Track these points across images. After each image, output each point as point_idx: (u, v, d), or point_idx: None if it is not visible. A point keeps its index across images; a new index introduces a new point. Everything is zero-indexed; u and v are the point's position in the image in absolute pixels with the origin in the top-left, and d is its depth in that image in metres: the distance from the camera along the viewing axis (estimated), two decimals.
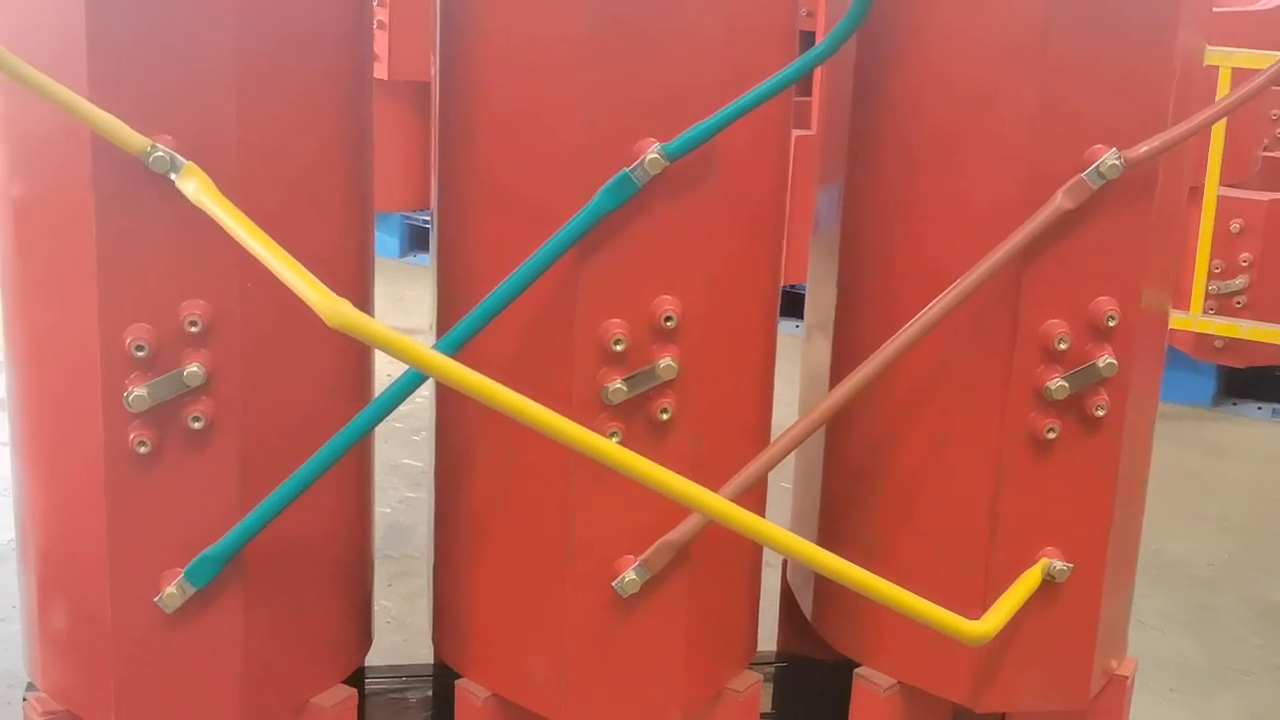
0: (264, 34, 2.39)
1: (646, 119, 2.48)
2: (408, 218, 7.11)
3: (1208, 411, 5.84)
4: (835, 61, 2.73)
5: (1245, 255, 5.56)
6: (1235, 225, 5.56)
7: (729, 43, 2.49)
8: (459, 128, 2.66)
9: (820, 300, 3.06)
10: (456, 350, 2.47)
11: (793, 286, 3.51)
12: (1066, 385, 2.64)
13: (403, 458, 5.19)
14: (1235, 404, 5.87)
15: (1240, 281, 5.58)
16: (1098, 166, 2.54)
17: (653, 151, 2.45)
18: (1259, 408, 5.78)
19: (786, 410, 2.96)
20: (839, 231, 2.93)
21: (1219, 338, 5.62)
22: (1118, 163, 2.54)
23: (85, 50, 2.31)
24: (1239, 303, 5.60)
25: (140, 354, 2.40)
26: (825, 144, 3.05)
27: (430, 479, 2.93)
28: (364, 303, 2.75)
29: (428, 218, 6.90)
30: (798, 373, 3.21)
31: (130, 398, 2.40)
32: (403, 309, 6.88)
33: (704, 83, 2.49)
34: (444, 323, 2.77)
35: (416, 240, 7.10)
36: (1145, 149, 2.55)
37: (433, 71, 2.78)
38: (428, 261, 6.89)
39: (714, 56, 2.49)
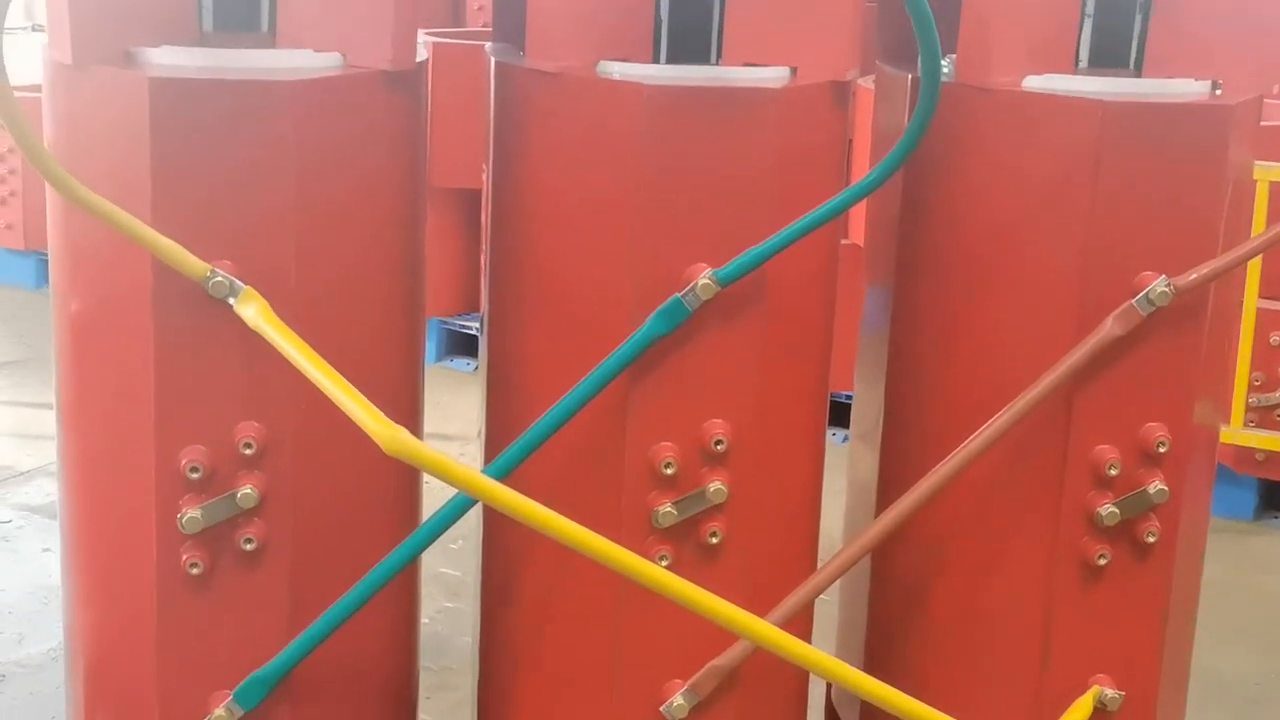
0: (323, 161, 2.43)
1: (698, 244, 2.50)
2: (444, 322, 7.16)
3: (1250, 525, 5.78)
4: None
5: None
6: (1275, 338, 5.54)
7: (779, 174, 2.52)
8: (512, 245, 2.68)
9: (866, 409, 3.07)
10: (507, 474, 2.48)
11: (835, 395, 3.51)
12: (1118, 512, 2.63)
13: (441, 566, 5.17)
14: (1277, 517, 5.80)
15: None
16: (1148, 293, 2.55)
17: (704, 277, 2.47)
18: None
19: (830, 521, 2.95)
20: (886, 348, 2.93)
21: (1260, 451, 5.58)
22: (1168, 290, 2.55)
23: (149, 177, 2.34)
24: None
25: (195, 475, 2.42)
26: (871, 254, 3.07)
27: (475, 593, 2.93)
28: (414, 415, 2.77)
29: (465, 322, 6.95)
30: (839, 481, 3.20)
31: (184, 520, 2.42)
32: (440, 415, 6.89)
33: (754, 210, 2.52)
34: (493, 437, 2.79)
35: (453, 345, 7.15)
36: (1195, 276, 2.56)
37: (485, 186, 2.81)
38: (464, 366, 6.93)
39: (764, 187, 2.52)
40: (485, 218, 2.84)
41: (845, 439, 3.31)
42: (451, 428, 6.64)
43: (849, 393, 3.26)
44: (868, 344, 3.10)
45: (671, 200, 2.49)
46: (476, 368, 6.77)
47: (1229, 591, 5.15)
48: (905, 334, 2.87)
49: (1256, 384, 5.61)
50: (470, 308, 6.99)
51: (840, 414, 3.29)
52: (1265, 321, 5.55)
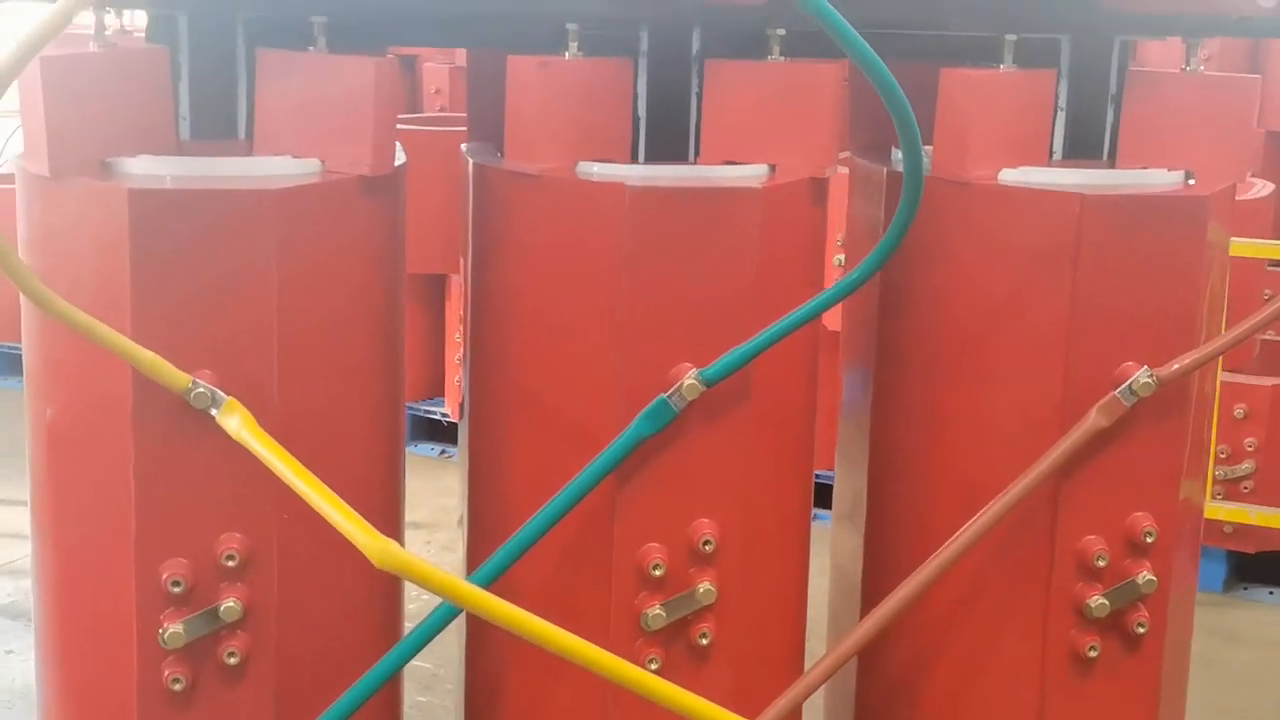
0: (305, 268, 2.41)
1: (682, 343, 2.50)
2: (410, 408, 7.12)
3: (1220, 597, 5.79)
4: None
5: (1250, 440, 5.58)
6: (1239, 411, 5.58)
7: (761, 271, 2.52)
8: (494, 346, 2.67)
9: (847, 491, 3.06)
10: (493, 581, 2.45)
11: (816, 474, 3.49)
12: (1107, 603, 2.62)
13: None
14: (1246, 589, 5.82)
15: (1247, 466, 5.59)
16: (1131, 384, 2.56)
17: (690, 377, 2.46)
18: (1271, 592, 5.74)
19: (812, 605, 2.92)
20: (868, 434, 2.93)
21: (1228, 523, 5.61)
22: (1151, 380, 2.56)
23: (129, 288, 2.31)
24: (1246, 488, 5.60)
25: (176, 590, 2.37)
26: (849, 339, 3.08)
27: (456, 691, 2.89)
28: (397, 517, 2.75)
29: (429, 407, 6.91)
30: (820, 560, 3.17)
31: (166, 635, 2.37)
32: (407, 501, 6.85)
33: (737, 308, 2.51)
34: (478, 538, 2.76)
35: (417, 430, 7.10)
36: (1177, 366, 2.57)
37: (464, 285, 2.80)
38: (428, 451, 6.88)
39: (746, 284, 2.52)
40: (465, 317, 2.82)
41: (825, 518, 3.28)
42: (419, 514, 6.59)
43: (829, 471, 3.24)
44: (848, 427, 3.09)
45: (655, 300, 2.49)
46: (442, 452, 6.74)
47: (1205, 667, 5.14)
48: (888, 424, 2.87)
49: (1222, 457, 5.65)
50: (434, 392, 6.96)
51: (821, 494, 3.28)
52: (1229, 394, 5.59)
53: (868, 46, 2.17)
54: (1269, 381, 5.66)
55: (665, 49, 2.62)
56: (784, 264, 2.58)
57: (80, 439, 2.46)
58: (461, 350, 6.25)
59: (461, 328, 6.25)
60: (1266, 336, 6.18)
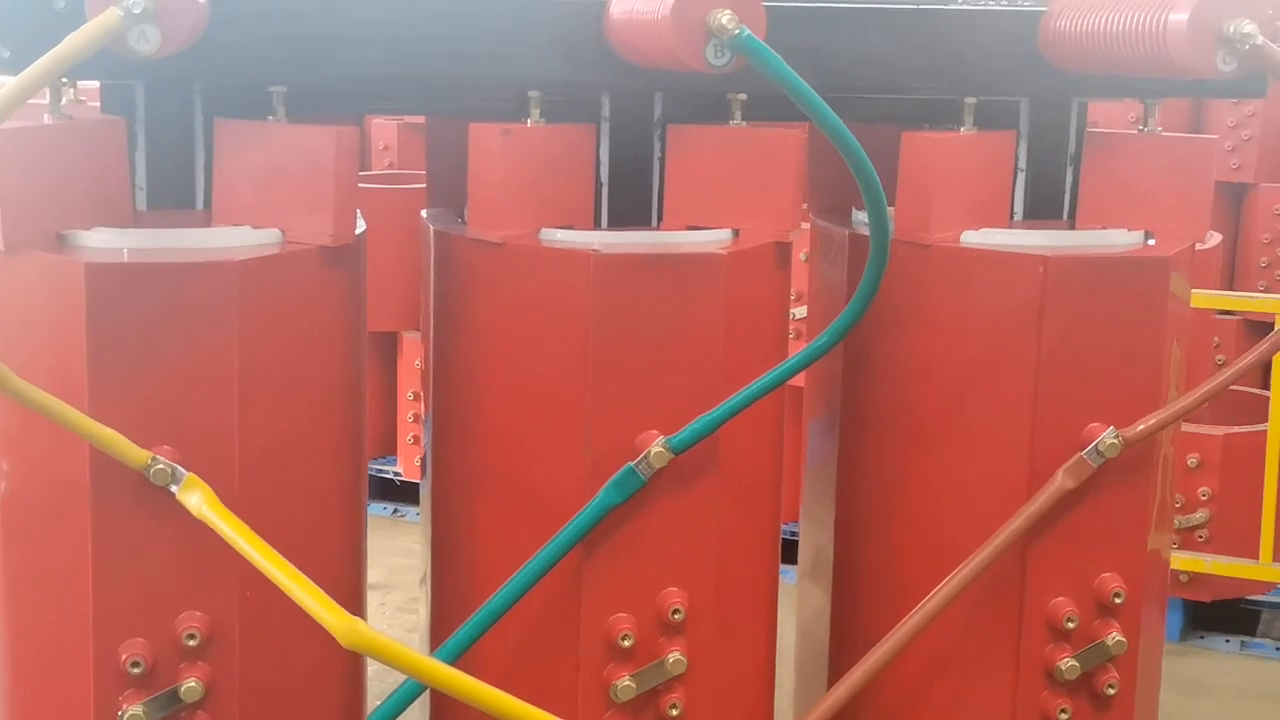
0: (266, 341, 2.37)
1: (649, 410, 2.48)
2: None
3: (1177, 646, 5.79)
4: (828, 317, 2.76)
5: (1204, 489, 5.60)
6: (1192, 460, 5.60)
7: (727, 336, 2.51)
8: (458, 414, 2.64)
9: (812, 547, 3.04)
10: (459, 656, 2.41)
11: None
12: (1078, 665, 2.61)
13: None
14: (1203, 637, 5.82)
15: (1201, 515, 5.60)
16: (1097, 445, 2.56)
17: (657, 445, 2.44)
18: (1227, 640, 5.75)
19: (780, 662, 2.89)
20: (834, 494, 2.91)
21: (1184, 572, 5.63)
22: (1117, 441, 2.56)
23: (86, 363, 2.27)
24: (1201, 537, 5.61)
25: (136, 671, 2.32)
26: (812, 397, 3.06)
27: None
28: (358, 585, 2.72)
29: (380, 466, 6.86)
30: (787, 615, 3.14)
31: (125, 717, 2.31)
32: None
33: (704, 374, 2.50)
34: (441, 608, 2.72)
35: (370, 489, 7.06)
36: (1143, 427, 2.58)
37: (425, 354, 2.77)
38: (381, 511, 6.81)
39: (713, 350, 2.51)
40: (426, 382, 2.79)
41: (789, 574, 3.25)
42: (373, 575, 6.48)
43: (793, 523, 3.21)
44: (812, 485, 3.08)
45: (622, 367, 2.47)
46: (395, 511, 6.68)
47: (1164, 718, 5.15)
48: (855, 485, 2.86)
49: (1177, 506, 5.66)
50: (386, 450, 6.89)
51: (786, 549, 3.26)
52: (1181, 444, 5.61)
53: (832, 112, 2.17)
54: (1221, 430, 5.69)
55: (627, 114, 2.61)
56: (749, 328, 2.57)
57: (35, 514, 2.41)
58: (413, 409, 6.23)
59: (415, 387, 6.25)
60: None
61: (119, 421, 2.26)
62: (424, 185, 6.11)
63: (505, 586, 2.44)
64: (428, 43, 2.47)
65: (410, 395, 6.35)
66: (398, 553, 6.20)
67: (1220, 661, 5.76)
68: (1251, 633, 5.73)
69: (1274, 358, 5.41)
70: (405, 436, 6.41)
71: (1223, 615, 5.85)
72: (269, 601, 2.25)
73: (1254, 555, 5.43)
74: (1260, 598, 5.65)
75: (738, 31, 2.13)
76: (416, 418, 6.38)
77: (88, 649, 2.34)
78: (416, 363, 6.35)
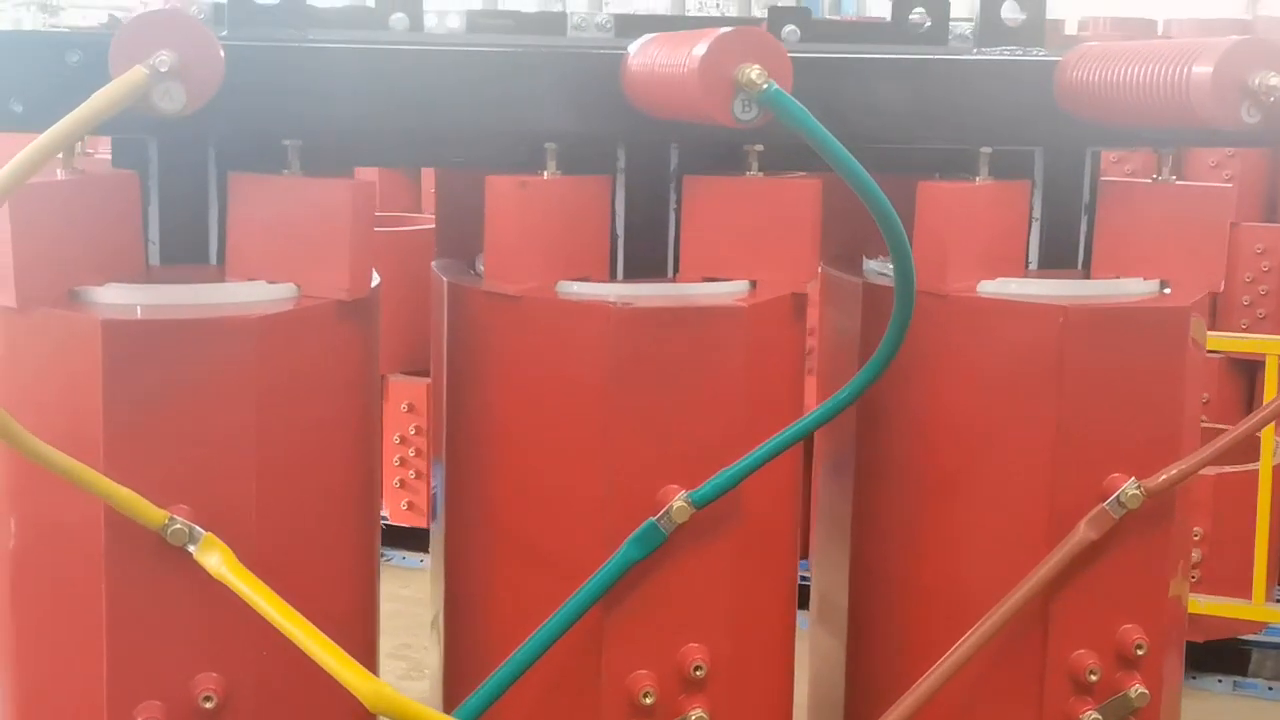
0: (283, 397, 2.34)
1: (669, 465, 2.45)
2: None
3: None
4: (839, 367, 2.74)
5: (1196, 529, 5.60)
6: None
7: (747, 389, 2.48)
8: (475, 468, 2.61)
9: (827, 592, 3.00)
10: (479, 716, 2.38)
11: None
12: (1100, 718, 2.59)
13: None
14: (1195, 678, 5.81)
15: (1194, 556, 5.61)
16: (1118, 496, 2.55)
17: (679, 499, 2.42)
18: (1219, 680, 5.75)
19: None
20: (849, 545, 2.89)
21: None
22: (1138, 492, 2.55)
23: (102, 422, 2.23)
24: (1194, 577, 5.62)
25: None
26: (823, 446, 3.04)
27: None
28: (373, 641, 2.69)
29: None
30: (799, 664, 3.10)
31: None
32: None
33: (724, 427, 2.47)
34: (457, 667, 2.69)
35: None
36: (1164, 477, 2.56)
37: (438, 406, 2.74)
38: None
39: (733, 402, 2.48)
40: (437, 436, 2.76)
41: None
42: None
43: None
44: (825, 532, 3.05)
45: (642, 421, 2.44)
46: (381, 556, 6.62)
47: None
48: (871, 535, 2.84)
49: None
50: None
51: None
52: None
53: (860, 168, 2.16)
54: (1212, 471, 5.70)
55: (642, 165, 2.59)
56: (769, 380, 2.55)
57: (47, 573, 2.36)
58: (399, 452, 6.18)
59: (401, 430, 6.20)
60: (1204, 424, 6.24)
61: (135, 480, 2.22)
62: (409, 228, 6.11)
63: (526, 644, 2.40)
64: (442, 95, 2.45)
65: (396, 439, 6.31)
66: (385, 599, 6.16)
67: (1215, 703, 5.75)
68: (1243, 672, 5.73)
69: (1265, 401, 5.44)
70: (392, 480, 6.37)
71: (1215, 655, 5.86)
72: (286, 663, 2.21)
73: (1246, 595, 5.43)
74: (1252, 637, 5.65)
75: (766, 86, 2.12)
76: (404, 461, 6.34)
77: (102, 713, 2.29)
78: (403, 406, 6.31)
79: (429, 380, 6.13)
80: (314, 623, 2.21)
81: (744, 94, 2.14)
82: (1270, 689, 5.65)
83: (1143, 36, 9.61)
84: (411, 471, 6.36)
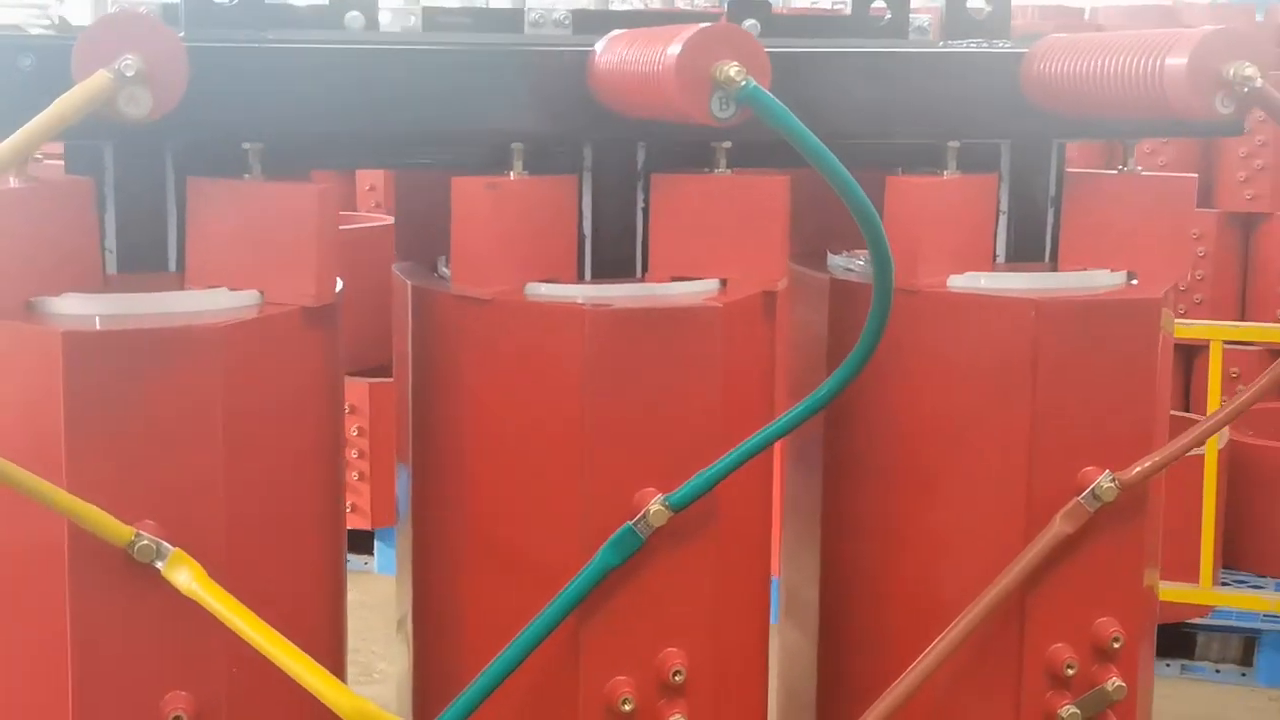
0: (249, 405, 2.28)
1: (645, 468, 2.42)
2: None
3: None
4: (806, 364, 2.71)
5: None
6: None
7: (722, 388, 2.45)
8: (444, 475, 2.56)
9: (795, 589, 2.98)
10: None
11: None
12: (1078, 712, 2.59)
13: None
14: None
15: None
16: (1094, 490, 2.54)
17: (656, 503, 2.38)
18: (1168, 665, 5.79)
19: None
20: (820, 544, 2.86)
21: None
22: (1113, 485, 2.54)
23: (64, 436, 2.17)
24: None
25: None
26: (793, 440, 3.01)
27: None
28: (342, 651, 2.62)
29: None
30: None
31: None
32: None
33: (700, 428, 2.44)
34: (428, 679, 2.64)
35: None
36: (1138, 470, 2.56)
37: (403, 413, 2.69)
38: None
39: (708, 403, 2.45)
40: (403, 442, 2.71)
41: None
42: None
43: None
44: (794, 530, 3.02)
45: (617, 424, 2.40)
46: None
47: None
48: (843, 535, 2.81)
49: None
50: None
51: None
52: None
53: (840, 165, 2.13)
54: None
55: (609, 163, 2.55)
56: (743, 380, 2.52)
57: (9, 592, 2.29)
58: (354, 459, 6.10)
59: (363, 430, 6.12)
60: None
61: (99, 496, 2.16)
62: (351, 226, 6.00)
63: (502, 654, 2.36)
64: (408, 96, 2.40)
65: (354, 431, 6.24)
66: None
67: (1161, 686, 5.77)
68: (1190, 656, 5.77)
69: (1209, 387, 5.49)
70: (348, 475, 6.29)
71: (1163, 639, 5.91)
72: (258, 679, 2.16)
73: (1193, 579, 5.48)
74: (1198, 621, 5.69)
75: (744, 83, 2.08)
76: (347, 463, 6.26)
77: None
78: (345, 407, 6.22)
79: (372, 381, 6.08)
80: (286, 636, 2.16)
81: (722, 91, 2.11)
82: (1218, 671, 5.69)
83: (1070, 25, 9.67)
84: (355, 473, 6.28)
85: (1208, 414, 5.46)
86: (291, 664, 2.04)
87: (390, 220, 5.88)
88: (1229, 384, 6.42)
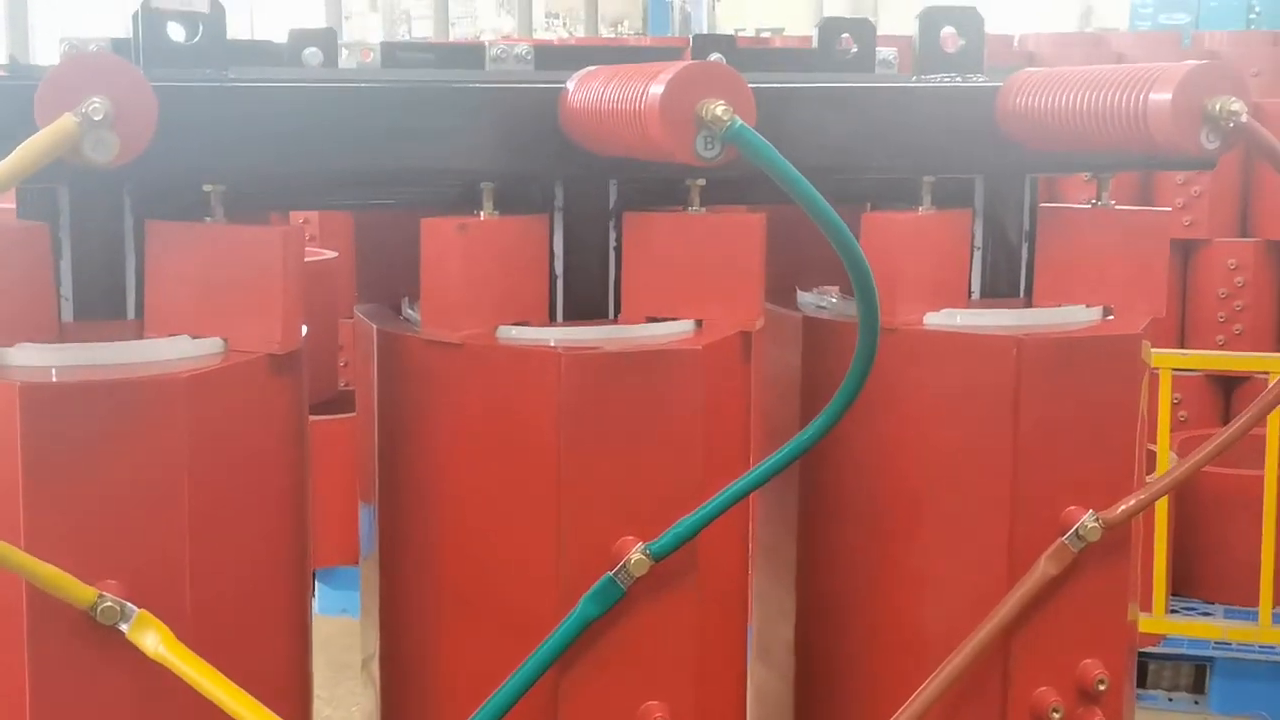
0: (215, 458, 2.19)
1: (625, 516, 2.34)
2: None
3: None
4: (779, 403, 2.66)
5: None
6: None
7: (701, 432, 2.39)
8: (414, 525, 2.47)
9: (768, 625, 2.92)
10: None
11: None
12: None
13: None
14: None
15: None
16: (1077, 530, 2.50)
17: (637, 552, 2.31)
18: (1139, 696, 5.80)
19: None
20: (795, 585, 2.80)
21: None
22: (1097, 525, 2.50)
23: (21, 494, 2.07)
24: None
25: None
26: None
27: None
28: (307, 704, 2.53)
29: None
30: None
31: None
32: None
33: (679, 473, 2.37)
34: None
35: None
36: (1122, 509, 2.52)
37: (369, 460, 2.61)
38: None
39: (688, 447, 2.38)
40: (369, 489, 2.63)
41: None
42: None
43: None
44: (768, 572, 2.96)
45: (594, 471, 2.33)
46: None
47: None
48: (820, 577, 2.76)
49: None
50: None
51: None
52: None
53: (826, 203, 2.08)
54: None
55: (581, 202, 2.49)
56: (720, 423, 2.45)
57: None
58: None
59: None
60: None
61: (60, 556, 2.06)
62: (316, 258, 5.88)
63: (482, 709, 2.28)
64: (374, 135, 2.32)
65: None
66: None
67: None
68: (1143, 684, 5.77)
69: (1159, 415, 5.49)
70: None
71: None
72: None
73: (1146, 608, 5.48)
74: (1150, 650, 5.70)
75: (730, 122, 2.03)
76: None
77: None
78: None
79: (323, 419, 5.98)
80: (255, 693, 2.08)
81: (707, 131, 2.05)
82: (1170, 699, 5.70)
83: (1000, 51, 9.72)
84: None
85: (1158, 441, 5.53)
86: None
87: (331, 255, 5.81)
88: (1171, 409, 6.45)
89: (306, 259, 6.07)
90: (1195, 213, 6.78)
